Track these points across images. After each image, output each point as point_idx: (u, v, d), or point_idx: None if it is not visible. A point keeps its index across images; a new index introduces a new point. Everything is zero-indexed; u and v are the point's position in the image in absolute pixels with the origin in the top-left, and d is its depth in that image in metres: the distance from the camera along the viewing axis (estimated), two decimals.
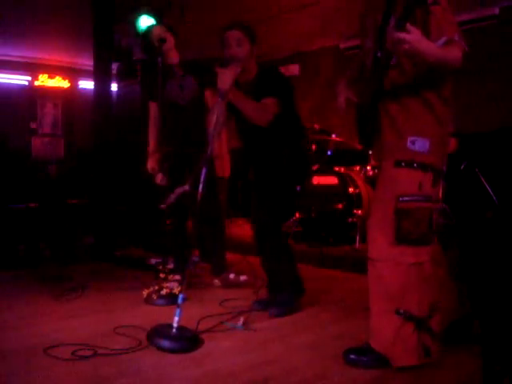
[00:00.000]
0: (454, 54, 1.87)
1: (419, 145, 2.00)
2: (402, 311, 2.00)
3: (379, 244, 2.06)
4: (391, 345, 2.04)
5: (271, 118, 2.69)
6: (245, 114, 2.67)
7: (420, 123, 2.01)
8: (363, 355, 2.12)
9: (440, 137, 2.04)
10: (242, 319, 2.68)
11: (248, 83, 2.83)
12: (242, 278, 3.54)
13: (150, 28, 3.58)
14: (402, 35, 1.77)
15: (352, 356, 2.14)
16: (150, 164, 3.55)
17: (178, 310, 2.32)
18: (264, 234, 2.88)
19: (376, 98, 2.08)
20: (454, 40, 1.87)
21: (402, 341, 2.02)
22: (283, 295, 2.92)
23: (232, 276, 3.54)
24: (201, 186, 2.51)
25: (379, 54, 2.00)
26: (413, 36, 1.78)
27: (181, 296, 2.35)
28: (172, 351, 2.26)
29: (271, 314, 2.85)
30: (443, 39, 1.87)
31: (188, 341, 2.31)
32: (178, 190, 3.27)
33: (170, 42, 3.41)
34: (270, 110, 2.69)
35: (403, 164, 2.01)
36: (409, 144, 2.01)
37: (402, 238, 1.98)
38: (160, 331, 2.33)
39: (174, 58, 3.46)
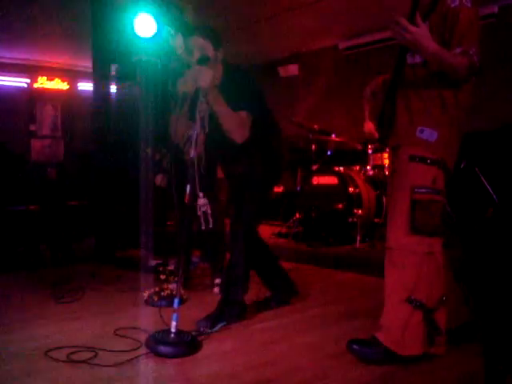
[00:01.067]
0: (461, 61, 1.97)
1: (427, 134, 2.10)
2: (413, 298, 2.07)
3: (396, 233, 2.16)
4: (400, 333, 2.08)
5: (247, 134, 2.62)
6: (222, 122, 2.56)
7: (432, 117, 2.11)
8: (367, 347, 2.16)
9: (449, 135, 2.12)
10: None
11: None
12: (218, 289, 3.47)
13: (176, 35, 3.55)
14: (408, 24, 1.89)
15: (355, 346, 2.19)
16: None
17: (174, 315, 2.31)
18: (236, 240, 2.78)
19: (394, 88, 2.17)
20: (468, 53, 1.97)
21: (410, 329, 2.08)
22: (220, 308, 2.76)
23: (217, 282, 3.51)
24: (188, 187, 2.47)
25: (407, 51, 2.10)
26: (418, 29, 1.90)
27: (176, 300, 2.33)
28: (172, 357, 2.24)
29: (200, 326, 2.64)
30: (459, 49, 1.98)
31: (187, 345, 2.30)
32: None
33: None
34: (246, 128, 2.62)
35: (417, 159, 2.10)
36: (417, 132, 2.11)
37: (417, 227, 2.07)
38: (158, 337, 2.30)
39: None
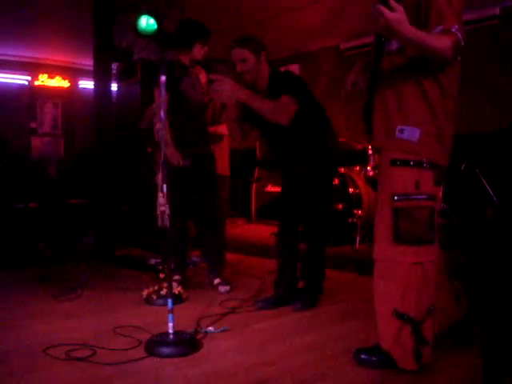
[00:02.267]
0: (443, 43, 1.78)
1: (408, 133, 1.93)
2: (398, 313, 1.97)
3: (380, 244, 2.03)
4: (393, 346, 2.03)
5: (292, 115, 2.74)
6: (264, 114, 2.72)
7: (411, 112, 1.94)
8: (373, 355, 2.10)
9: (435, 129, 1.94)
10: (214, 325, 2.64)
11: (264, 90, 2.90)
12: (223, 288, 3.45)
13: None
14: (382, 9, 1.68)
15: (363, 356, 2.13)
16: (172, 155, 3.44)
17: (170, 316, 2.30)
18: (313, 239, 3.15)
19: (373, 83, 2.04)
20: (449, 31, 1.79)
21: (401, 344, 2.00)
22: (311, 294, 3.09)
23: (216, 282, 3.51)
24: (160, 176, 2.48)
25: (383, 38, 1.95)
26: (393, 14, 1.69)
27: (169, 301, 2.32)
28: (172, 357, 2.23)
29: (296, 309, 2.97)
30: (439, 28, 1.80)
31: (186, 345, 2.30)
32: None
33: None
34: (289, 108, 2.74)
35: (398, 163, 1.96)
36: (397, 133, 1.95)
37: (400, 237, 1.94)
38: (157, 340, 2.30)
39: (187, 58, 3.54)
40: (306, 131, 2.93)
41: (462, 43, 1.81)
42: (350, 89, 2.27)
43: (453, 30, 1.79)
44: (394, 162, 1.97)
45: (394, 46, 1.96)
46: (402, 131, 1.94)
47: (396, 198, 1.94)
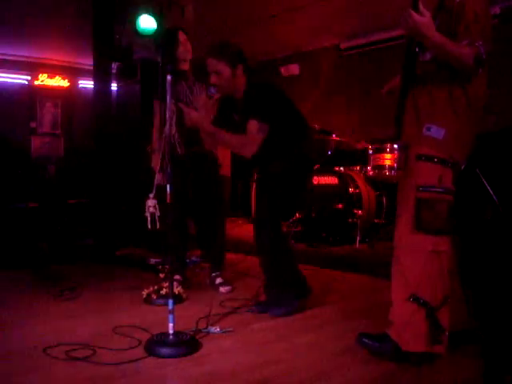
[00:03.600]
0: (465, 51, 1.96)
1: (434, 131, 2.09)
2: (414, 297, 2.07)
3: (401, 231, 2.16)
4: (403, 328, 2.09)
5: (256, 148, 2.70)
6: (228, 148, 2.72)
7: (439, 114, 2.10)
8: (376, 341, 2.18)
9: (458, 132, 2.10)
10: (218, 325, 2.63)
11: (240, 102, 2.85)
12: (224, 288, 3.44)
13: (171, 32, 3.57)
14: (412, 12, 1.91)
15: (366, 340, 2.21)
16: (155, 162, 3.51)
17: (170, 316, 2.30)
18: (262, 231, 2.85)
19: (405, 89, 2.17)
20: (473, 45, 1.97)
21: (413, 326, 2.08)
22: (283, 295, 2.91)
23: (217, 282, 3.51)
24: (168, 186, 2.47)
25: (417, 49, 2.12)
26: (422, 18, 1.92)
27: (170, 301, 2.32)
28: (172, 357, 2.22)
29: (271, 314, 2.84)
30: (465, 42, 1.97)
31: (186, 345, 2.30)
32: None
33: (191, 52, 3.48)
34: (253, 141, 2.70)
35: (423, 158, 2.10)
36: (424, 130, 2.11)
37: (421, 226, 2.07)
38: (157, 340, 2.30)
39: (187, 64, 3.51)
40: (278, 144, 2.84)
41: (484, 56, 1.99)
42: (385, 95, 2.50)
43: (476, 44, 1.98)
44: (419, 157, 2.11)
45: (428, 56, 2.13)
46: (429, 129, 2.10)
47: (421, 188, 2.08)
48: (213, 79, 2.79)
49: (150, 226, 2.43)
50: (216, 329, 2.55)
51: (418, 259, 2.09)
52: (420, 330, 2.07)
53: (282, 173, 2.87)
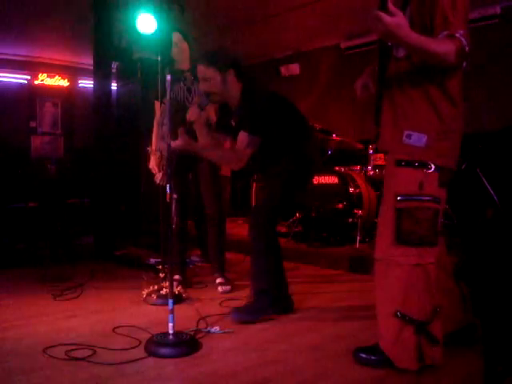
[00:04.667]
0: (446, 47, 1.77)
1: (415, 139, 1.94)
2: (400, 314, 1.96)
3: (382, 244, 2.02)
4: (393, 347, 2.01)
5: (242, 164, 2.66)
6: (217, 162, 2.72)
7: (419, 118, 1.95)
8: (372, 354, 2.09)
9: (442, 133, 1.94)
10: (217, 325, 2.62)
11: (235, 110, 2.78)
12: (224, 288, 3.43)
13: (166, 33, 3.57)
14: (380, 15, 1.66)
15: (362, 355, 2.11)
16: (153, 163, 3.54)
17: (170, 316, 2.30)
18: (259, 230, 2.72)
19: (380, 87, 2.04)
20: (454, 36, 1.78)
21: (401, 344, 1.99)
22: (254, 301, 2.72)
23: (217, 281, 3.51)
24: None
25: (389, 44, 1.96)
26: (393, 19, 1.67)
27: (170, 301, 2.31)
28: (172, 357, 2.22)
29: (234, 318, 2.67)
30: (444, 33, 1.79)
31: (186, 345, 2.29)
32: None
33: (186, 51, 3.47)
34: (240, 158, 2.65)
35: (403, 164, 1.96)
36: (404, 138, 1.96)
37: (402, 238, 1.93)
38: (157, 340, 2.29)
39: (186, 64, 3.48)
40: (277, 150, 2.80)
41: (467, 48, 1.80)
42: (360, 93, 2.28)
43: (457, 35, 1.78)
44: (399, 163, 1.98)
45: (402, 52, 1.97)
46: (409, 136, 1.95)
47: (399, 198, 1.94)
48: (202, 86, 2.71)
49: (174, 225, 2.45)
50: (216, 329, 2.55)
51: (402, 273, 1.94)
52: (410, 348, 1.96)
53: (284, 173, 2.82)
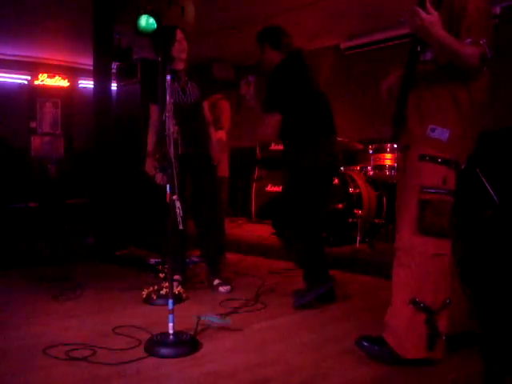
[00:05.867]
0: (471, 50, 1.92)
1: (439, 133, 2.06)
2: (417, 300, 2.05)
3: (403, 234, 2.12)
4: (403, 335, 2.06)
5: (270, 131, 2.98)
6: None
7: (443, 115, 2.08)
8: (376, 345, 2.14)
9: (462, 133, 2.08)
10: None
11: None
12: (224, 288, 3.43)
13: (169, 29, 3.57)
14: (419, 10, 1.86)
15: (365, 343, 2.17)
16: (148, 165, 3.52)
17: (170, 316, 2.30)
18: (285, 228, 3.06)
19: (406, 88, 2.14)
20: (478, 43, 1.93)
21: (413, 332, 2.05)
22: (306, 286, 3.03)
23: (215, 282, 3.51)
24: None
25: (419, 48, 2.09)
26: (429, 16, 1.86)
27: (170, 301, 2.32)
28: (172, 357, 2.22)
29: (296, 305, 2.98)
30: (468, 40, 1.94)
31: (187, 345, 2.30)
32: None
33: (186, 50, 3.47)
34: (267, 124, 2.96)
35: (427, 158, 2.07)
36: (428, 131, 2.08)
37: (424, 228, 2.04)
38: (157, 340, 2.30)
39: (182, 64, 3.49)
40: (301, 129, 3.05)
41: (489, 55, 1.95)
42: (385, 96, 2.41)
43: (481, 42, 1.94)
44: (423, 157, 2.09)
45: (429, 56, 2.11)
46: (433, 130, 2.08)
47: (424, 190, 2.05)
48: (260, 61, 3.19)
49: (181, 226, 2.51)
50: (217, 316, 2.58)
51: (420, 262, 2.06)
52: (420, 335, 2.05)
53: (313, 170, 3.01)
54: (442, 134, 2.06)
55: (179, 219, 2.47)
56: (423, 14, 1.86)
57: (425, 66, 2.13)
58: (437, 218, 2.04)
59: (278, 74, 3.06)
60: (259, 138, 2.92)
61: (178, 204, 2.44)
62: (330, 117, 3.16)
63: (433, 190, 2.04)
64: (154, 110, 3.53)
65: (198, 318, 2.55)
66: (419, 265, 2.06)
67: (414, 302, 2.05)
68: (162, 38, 3.56)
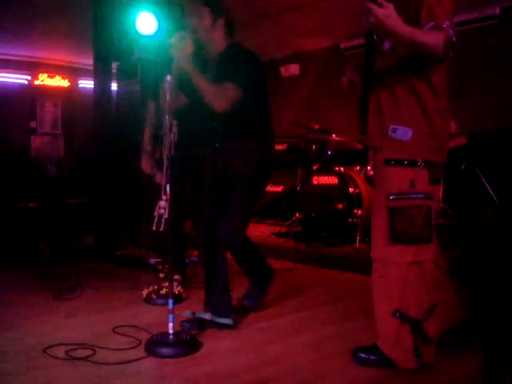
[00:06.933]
0: (434, 39, 1.78)
1: (400, 133, 1.95)
2: (398, 313, 1.98)
3: (377, 244, 2.04)
4: (393, 347, 2.03)
5: (227, 105, 2.57)
6: (203, 93, 2.56)
7: (403, 112, 1.96)
8: (372, 354, 2.10)
9: (427, 127, 1.95)
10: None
11: (215, 57, 2.78)
12: None
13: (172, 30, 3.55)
14: (372, 6, 1.70)
15: (362, 355, 2.12)
16: (145, 164, 3.52)
17: (170, 316, 2.30)
18: (232, 246, 2.75)
19: (367, 82, 2.04)
20: (441, 27, 1.80)
21: (401, 343, 2.00)
22: (255, 288, 3.02)
23: None
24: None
25: (375, 37, 1.97)
26: (382, 10, 1.70)
27: (170, 301, 2.32)
28: (172, 357, 2.22)
29: (248, 306, 2.95)
30: (430, 24, 1.81)
31: (186, 345, 2.30)
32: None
33: (189, 48, 3.46)
34: (227, 97, 2.57)
35: (393, 162, 1.97)
36: (390, 132, 1.97)
37: (396, 237, 1.94)
38: (157, 340, 2.30)
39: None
40: (247, 115, 2.71)
41: (454, 39, 1.82)
42: (346, 85, 2.29)
43: (444, 25, 1.80)
44: (388, 162, 1.98)
45: (387, 46, 1.97)
46: (394, 130, 1.96)
47: (391, 197, 1.95)
48: (193, 21, 2.75)
49: (155, 227, 2.43)
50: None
51: (398, 272, 1.96)
52: (408, 347, 1.98)
53: (255, 179, 2.74)
54: (403, 133, 1.93)
55: (156, 219, 2.43)
56: (376, 9, 1.69)
57: (383, 57, 2.00)
58: (408, 226, 1.91)
59: (249, 58, 2.77)
60: (212, 103, 2.58)
61: (162, 204, 2.41)
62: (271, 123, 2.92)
63: (401, 196, 1.92)
64: (151, 107, 3.54)
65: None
66: (397, 275, 1.97)
67: (398, 314, 1.98)
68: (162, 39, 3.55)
